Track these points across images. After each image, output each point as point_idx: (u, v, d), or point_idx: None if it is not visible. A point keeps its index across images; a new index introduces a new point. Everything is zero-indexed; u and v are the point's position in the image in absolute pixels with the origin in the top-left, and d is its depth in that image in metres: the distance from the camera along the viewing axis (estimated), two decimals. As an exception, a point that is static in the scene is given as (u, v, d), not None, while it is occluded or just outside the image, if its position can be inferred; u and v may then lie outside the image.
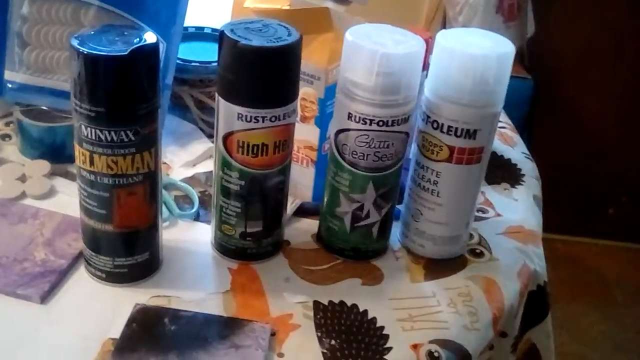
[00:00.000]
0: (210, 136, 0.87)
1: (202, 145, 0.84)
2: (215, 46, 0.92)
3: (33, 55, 0.80)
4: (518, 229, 0.80)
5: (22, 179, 0.76)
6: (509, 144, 0.96)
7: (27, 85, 0.81)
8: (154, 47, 0.58)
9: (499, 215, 0.82)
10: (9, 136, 0.84)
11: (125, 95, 0.57)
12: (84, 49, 0.55)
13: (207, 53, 0.89)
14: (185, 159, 0.82)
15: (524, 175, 0.90)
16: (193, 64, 0.86)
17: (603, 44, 1.87)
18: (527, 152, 0.96)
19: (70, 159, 0.78)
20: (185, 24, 0.85)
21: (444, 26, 1.66)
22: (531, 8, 1.73)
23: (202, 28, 0.95)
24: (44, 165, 0.77)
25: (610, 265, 1.99)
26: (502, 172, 0.89)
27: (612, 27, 1.86)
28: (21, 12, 0.79)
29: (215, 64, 0.85)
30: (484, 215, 0.81)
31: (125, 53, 0.55)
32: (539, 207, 0.86)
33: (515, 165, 0.92)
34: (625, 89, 1.93)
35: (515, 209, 0.84)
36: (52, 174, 0.78)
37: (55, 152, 0.79)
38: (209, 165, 0.82)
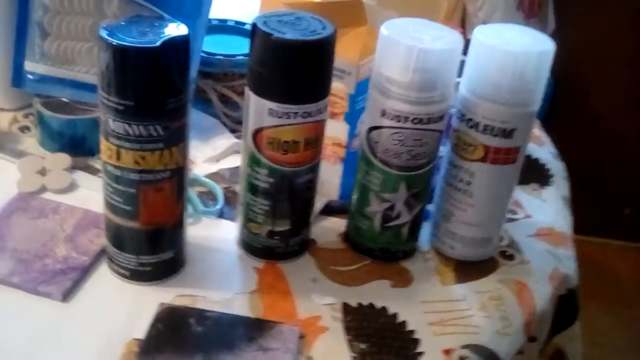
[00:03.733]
0: (233, 131, 0.85)
1: (225, 140, 0.82)
2: (239, 39, 0.92)
3: (54, 46, 0.78)
4: (548, 231, 0.78)
5: (42, 172, 0.74)
6: (536, 142, 0.94)
7: (47, 76, 0.79)
8: (185, 39, 0.56)
9: (528, 216, 0.80)
10: (28, 128, 0.82)
11: (155, 89, 0.55)
12: (113, 40, 0.53)
13: (230, 46, 0.87)
14: (209, 154, 0.80)
15: (552, 175, 0.88)
16: (217, 57, 0.84)
17: (624, 41, 1.84)
18: (555, 152, 0.94)
19: (91, 153, 0.77)
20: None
21: (463, 22, 1.64)
22: (552, 4, 1.70)
23: (226, 20, 0.93)
24: (65, 159, 0.75)
25: (625, 265, 1.97)
26: (531, 172, 0.87)
27: (634, 23, 1.84)
28: (42, 2, 0.77)
29: (240, 57, 0.85)
30: (513, 216, 0.79)
31: (157, 44, 0.53)
32: (569, 208, 0.84)
33: (544, 165, 0.90)
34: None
35: (545, 210, 0.82)
36: (72, 167, 0.76)
37: (75, 145, 0.77)
38: (233, 161, 0.80)
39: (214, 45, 0.86)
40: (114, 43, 0.53)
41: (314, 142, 0.63)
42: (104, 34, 0.54)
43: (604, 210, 1.95)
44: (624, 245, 2.04)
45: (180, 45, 0.55)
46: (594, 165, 1.83)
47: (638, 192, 2.02)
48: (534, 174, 0.87)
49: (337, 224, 0.73)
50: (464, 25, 1.64)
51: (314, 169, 0.65)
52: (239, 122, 0.85)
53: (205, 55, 0.83)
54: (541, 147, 0.93)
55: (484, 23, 1.78)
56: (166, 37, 0.54)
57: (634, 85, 1.90)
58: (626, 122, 1.94)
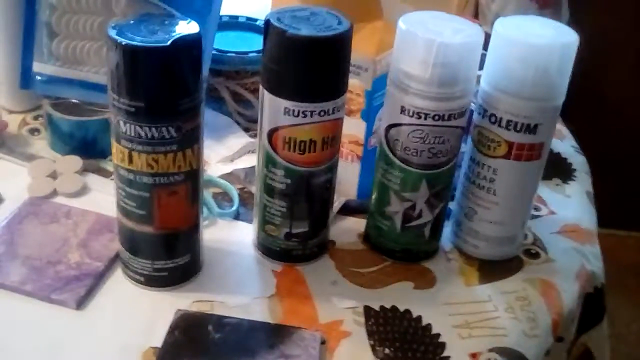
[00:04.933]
0: (246, 130, 0.83)
1: (239, 139, 0.80)
2: (251, 35, 0.90)
3: (62, 46, 0.76)
4: (574, 228, 0.76)
5: (53, 175, 0.72)
6: (557, 136, 0.92)
7: (56, 77, 0.77)
8: (197, 37, 0.54)
9: (552, 212, 0.78)
10: (38, 130, 0.80)
11: (167, 89, 0.53)
12: (123, 40, 0.51)
13: (242, 43, 0.85)
14: (223, 154, 0.78)
15: (575, 170, 0.86)
16: (229, 54, 0.82)
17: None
18: (577, 146, 0.91)
19: (103, 155, 0.75)
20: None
21: (476, 14, 1.61)
22: (566, -2, 1.67)
23: (237, 17, 0.91)
24: (76, 161, 0.74)
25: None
26: (553, 167, 0.84)
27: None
28: (49, 1, 0.75)
29: (252, 54, 0.83)
30: (536, 212, 0.77)
31: (167, 44, 0.51)
32: (592, 203, 0.82)
33: (566, 159, 0.88)
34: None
35: (569, 206, 0.79)
36: (84, 170, 0.74)
37: (86, 147, 0.75)
38: (247, 161, 0.78)
39: (225, 42, 0.84)
40: (124, 43, 0.51)
41: (332, 141, 0.61)
42: (112, 33, 0.52)
43: (625, 203, 1.92)
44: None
45: (192, 44, 0.53)
46: (612, 157, 1.80)
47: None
48: (557, 168, 0.85)
49: (356, 224, 0.71)
50: (476, 17, 1.62)
51: (332, 169, 0.63)
52: (253, 121, 0.83)
53: (217, 53, 0.81)
54: (562, 141, 0.91)
55: (497, 15, 1.75)
56: (177, 36, 0.52)
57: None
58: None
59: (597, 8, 1.75)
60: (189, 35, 0.53)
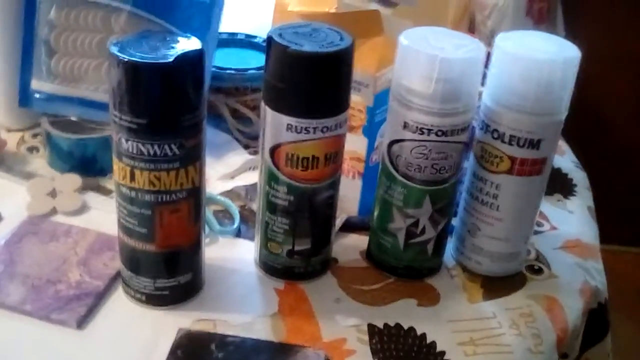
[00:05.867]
0: (246, 147, 0.82)
1: (239, 156, 0.80)
2: (250, 52, 0.90)
3: (61, 64, 0.76)
4: (576, 243, 0.75)
5: (52, 194, 0.72)
6: (557, 152, 0.91)
7: (55, 95, 0.76)
8: (199, 53, 0.53)
9: (554, 228, 0.77)
10: (36, 149, 0.80)
11: (170, 106, 0.53)
12: (125, 57, 0.51)
13: (241, 60, 0.85)
14: (223, 171, 0.78)
15: (576, 185, 0.86)
16: (228, 71, 0.82)
17: (635, 45, 1.82)
18: (577, 161, 0.91)
19: (102, 173, 0.75)
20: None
21: (471, 30, 1.61)
22: (561, 10, 1.68)
23: (235, 34, 0.90)
24: (75, 180, 0.73)
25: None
26: (554, 182, 0.84)
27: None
28: (48, 19, 0.75)
29: (252, 71, 0.83)
30: (539, 228, 0.76)
31: (170, 60, 0.51)
32: (594, 218, 0.82)
33: (567, 175, 0.87)
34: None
35: (571, 221, 0.79)
36: (83, 188, 0.73)
37: (86, 165, 0.75)
38: (248, 178, 0.77)
39: (224, 59, 0.84)
40: (126, 59, 0.51)
41: (334, 157, 0.61)
42: (114, 50, 0.52)
43: (620, 218, 1.92)
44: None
45: (194, 60, 0.53)
46: (607, 173, 1.81)
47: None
48: (558, 184, 0.85)
49: (358, 241, 0.71)
50: (472, 33, 1.62)
51: (335, 185, 0.63)
52: (252, 138, 0.83)
53: (216, 70, 0.81)
54: (562, 157, 0.91)
55: (493, 31, 1.75)
56: (180, 52, 0.52)
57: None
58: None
59: (591, 24, 1.76)
60: (191, 51, 0.53)
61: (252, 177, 0.77)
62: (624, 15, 1.81)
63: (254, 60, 0.85)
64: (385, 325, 0.62)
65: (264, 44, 0.88)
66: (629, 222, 1.98)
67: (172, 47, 0.53)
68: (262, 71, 0.80)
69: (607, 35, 1.77)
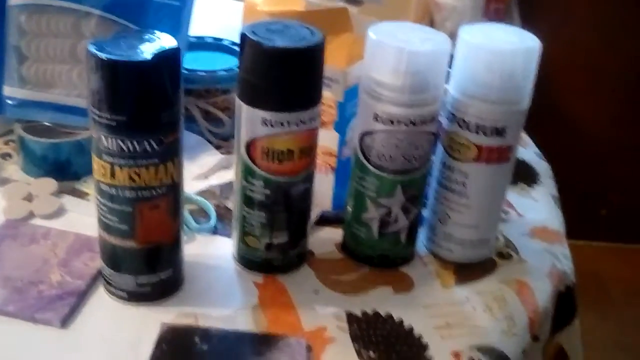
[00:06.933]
0: (218, 147, 0.84)
1: (212, 157, 0.81)
2: (219, 55, 0.91)
3: (33, 70, 0.76)
4: (542, 229, 0.78)
5: (29, 198, 0.72)
6: (520, 144, 0.94)
7: (27, 100, 0.77)
8: (177, 51, 0.55)
9: (520, 215, 0.80)
10: (9, 155, 0.80)
11: (149, 103, 0.54)
12: (104, 56, 0.52)
13: (210, 62, 0.87)
14: (196, 172, 0.79)
15: (539, 175, 0.88)
16: (198, 73, 0.83)
17: (591, 45, 1.87)
18: (539, 152, 0.94)
19: (77, 176, 0.75)
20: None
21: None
22: (517, 11, 1.72)
23: (203, 37, 0.92)
24: (51, 183, 0.74)
25: (605, 266, 1.99)
26: (517, 172, 0.87)
27: (600, 28, 1.87)
28: (18, 25, 0.76)
29: (221, 72, 0.84)
30: (505, 216, 0.78)
31: (150, 58, 0.52)
32: (559, 207, 0.84)
33: (530, 165, 0.90)
34: (614, 90, 1.93)
35: (536, 209, 0.82)
36: (59, 192, 0.74)
37: (60, 170, 0.75)
38: (222, 177, 0.79)
39: (193, 62, 0.85)
40: (106, 58, 0.52)
41: (308, 150, 0.62)
42: (93, 49, 0.53)
43: (582, 213, 1.96)
44: (603, 246, 2.05)
45: (172, 58, 0.54)
46: (568, 168, 1.84)
47: (613, 192, 2.04)
48: (521, 174, 0.87)
49: (333, 234, 0.72)
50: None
51: (309, 179, 0.64)
52: (224, 139, 0.84)
53: (186, 72, 0.82)
54: (525, 148, 0.94)
55: (452, 33, 1.79)
56: (158, 50, 0.53)
57: (604, 86, 1.93)
58: (598, 123, 1.96)
59: (548, 24, 1.80)
60: (169, 49, 0.54)
61: (226, 176, 0.79)
62: (580, 13, 1.85)
63: (223, 62, 0.87)
64: (364, 312, 0.64)
65: (232, 47, 0.90)
66: (589, 217, 2.02)
67: (149, 46, 0.54)
68: (231, 73, 0.83)
69: (563, 32, 1.82)
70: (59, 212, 0.72)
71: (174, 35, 0.77)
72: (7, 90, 0.77)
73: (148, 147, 0.55)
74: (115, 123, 0.54)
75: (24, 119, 0.77)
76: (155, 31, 0.57)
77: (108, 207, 0.58)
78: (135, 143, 0.55)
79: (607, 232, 2.07)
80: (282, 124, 0.59)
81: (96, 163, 0.57)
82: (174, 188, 0.59)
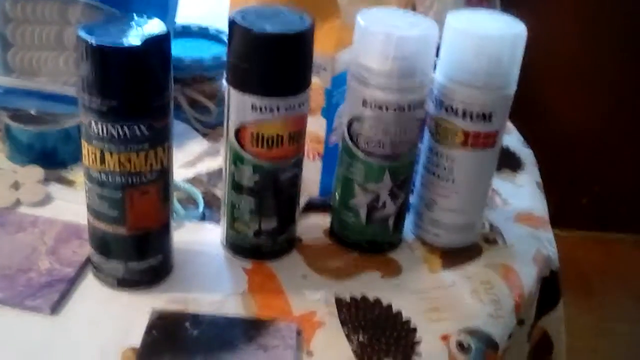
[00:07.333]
0: (204, 135, 0.84)
1: (198, 145, 0.81)
2: (204, 42, 0.91)
3: (18, 57, 0.76)
4: (527, 215, 0.79)
5: (15, 186, 0.72)
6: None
7: (13, 88, 0.76)
8: (166, 35, 0.55)
9: (505, 201, 0.80)
10: (-5, 143, 0.80)
11: (140, 87, 0.54)
12: (94, 40, 0.52)
13: (196, 50, 0.86)
14: (183, 159, 0.79)
15: (523, 161, 0.89)
16: (184, 61, 0.83)
17: (572, 31, 1.88)
18: (523, 139, 0.95)
19: (64, 165, 0.75)
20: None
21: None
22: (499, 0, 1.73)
23: (189, 25, 0.91)
24: (38, 171, 0.73)
25: (586, 255, 2.00)
26: (502, 159, 0.87)
27: (580, 17, 1.88)
28: (3, 12, 0.75)
29: (207, 60, 0.84)
30: (490, 202, 0.79)
31: (140, 43, 0.52)
32: (543, 193, 0.85)
33: (514, 152, 0.91)
34: (593, 79, 1.94)
35: (521, 195, 0.82)
36: (45, 180, 0.74)
37: (46, 158, 0.75)
38: (209, 165, 0.79)
39: (179, 50, 0.85)
40: (95, 44, 0.52)
41: (297, 136, 0.63)
42: (83, 34, 0.53)
43: (562, 202, 1.98)
44: (584, 235, 2.07)
45: (162, 43, 0.55)
46: (548, 156, 1.85)
47: (594, 181, 2.06)
48: (505, 160, 0.88)
49: (321, 220, 0.73)
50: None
51: (298, 164, 0.65)
52: (210, 127, 0.84)
53: (173, 60, 0.82)
54: (509, 135, 0.94)
55: (435, 20, 1.79)
56: (148, 35, 0.53)
57: (585, 74, 1.94)
58: (578, 112, 1.97)
59: (530, 12, 1.81)
60: (159, 34, 0.54)
61: (213, 164, 0.79)
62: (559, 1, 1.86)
63: (209, 50, 0.87)
64: (352, 297, 0.64)
65: (218, 34, 0.90)
66: (570, 205, 2.04)
67: (139, 31, 0.54)
68: (217, 61, 0.83)
69: (544, 20, 1.82)
70: (46, 200, 0.71)
71: (160, 23, 0.77)
72: (-8, 78, 0.77)
73: (138, 132, 0.55)
74: (106, 108, 0.54)
75: (10, 107, 0.76)
76: (145, 16, 0.57)
77: (98, 193, 0.58)
78: (125, 128, 0.55)
79: (588, 220, 2.08)
80: (271, 110, 0.60)
81: (86, 149, 0.57)
82: (164, 174, 0.59)
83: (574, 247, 1.99)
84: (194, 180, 0.77)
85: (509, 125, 0.97)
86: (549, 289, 0.75)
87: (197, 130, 0.84)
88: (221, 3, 0.73)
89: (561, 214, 2.01)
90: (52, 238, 0.66)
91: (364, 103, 0.63)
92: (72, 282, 0.62)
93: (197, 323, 0.59)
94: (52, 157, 0.75)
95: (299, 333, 0.59)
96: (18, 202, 0.71)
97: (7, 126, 0.75)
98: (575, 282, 1.88)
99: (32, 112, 0.76)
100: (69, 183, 0.74)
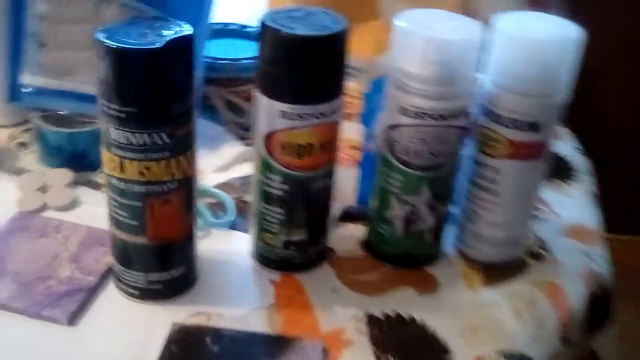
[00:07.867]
0: (241, 138, 0.81)
1: (234, 148, 0.79)
2: (244, 42, 0.89)
3: (51, 57, 0.74)
4: (577, 228, 0.74)
5: (43, 189, 0.70)
6: (557, 137, 0.90)
7: (45, 89, 0.75)
8: (189, 39, 0.52)
9: (554, 213, 0.76)
10: (26, 144, 0.78)
11: (159, 93, 0.52)
12: (112, 43, 0.50)
13: (235, 50, 0.84)
14: (217, 163, 0.76)
15: (575, 170, 0.84)
16: (221, 61, 0.80)
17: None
18: (578, 146, 0.90)
19: (93, 167, 0.73)
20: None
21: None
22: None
23: (228, 24, 0.89)
24: (66, 174, 0.72)
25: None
26: (552, 168, 0.83)
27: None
28: (37, 11, 0.74)
29: (245, 60, 0.81)
30: (538, 214, 0.75)
31: (160, 46, 0.50)
32: (596, 204, 0.80)
33: (565, 159, 0.86)
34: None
35: (572, 206, 0.78)
36: (74, 183, 0.72)
37: (76, 160, 0.73)
38: (243, 170, 0.76)
39: (217, 49, 0.83)
40: (113, 46, 0.50)
41: (330, 144, 0.59)
42: (101, 36, 0.50)
43: (628, 207, 1.91)
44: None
45: (185, 46, 0.52)
46: (615, 161, 1.79)
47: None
48: (556, 169, 0.83)
49: (356, 231, 0.69)
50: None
51: (331, 174, 0.61)
52: (247, 129, 0.81)
53: (210, 61, 0.80)
54: (563, 141, 0.90)
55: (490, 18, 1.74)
56: (169, 38, 0.51)
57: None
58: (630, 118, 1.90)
59: (594, 8, 1.74)
60: (180, 36, 0.51)
61: (248, 169, 0.76)
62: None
63: (248, 50, 0.84)
64: (385, 314, 0.61)
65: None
66: (632, 210, 1.97)
67: (161, 33, 0.52)
68: (255, 61, 0.80)
69: (610, 19, 1.75)
70: (73, 204, 0.70)
71: (196, 22, 0.75)
72: (25, 78, 0.75)
73: (159, 140, 0.52)
74: (125, 115, 0.51)
75: (41, 107, 0.75)
76: (170, 18, 0.55)
77: (118, 202, 0.56)
78: (145, 136, 0.52)
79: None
80: (301, 117, 0.56)
81: (105, 156, 0.54)
82: (187, 182, 0.56)
83: (634, 253, 1.92)
84: (227, 186, 0.74)
85: (563, 131, 0.92)
86: (601, 307, 0.71)
87: (232, 132, 0.81)
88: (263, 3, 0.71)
89: (627, 219, 1.94)
90: (75, 244, 0.64)
91: (403, 110, 0.59)
92: (92, 292, 0.60)
93: (218, 338, 0.56)
94: (82, 159, 0.73)
95: (324, 352, 0.56)
96: (45, 206, 0.69)
97: (38, 127, 0.73)
98: (635, 288, 1.81)
99: (62, 113, 0.75)
100: (98, 186, 0.72)
